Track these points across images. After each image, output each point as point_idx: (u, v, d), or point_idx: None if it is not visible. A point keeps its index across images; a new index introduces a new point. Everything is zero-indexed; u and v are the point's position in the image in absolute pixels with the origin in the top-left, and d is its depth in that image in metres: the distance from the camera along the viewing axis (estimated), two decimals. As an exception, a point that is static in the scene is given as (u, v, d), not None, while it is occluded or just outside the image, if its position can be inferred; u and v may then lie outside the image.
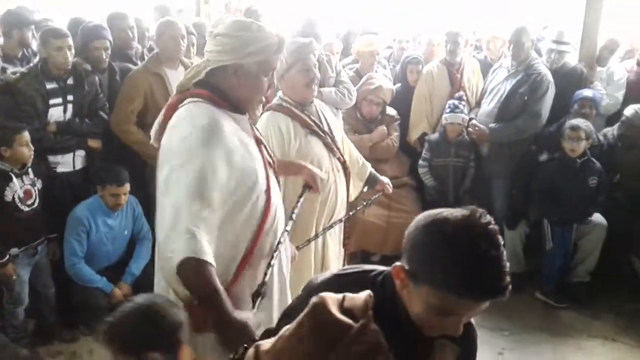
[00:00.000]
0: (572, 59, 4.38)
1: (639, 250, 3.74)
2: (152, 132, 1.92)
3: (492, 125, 4.13)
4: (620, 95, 4.36)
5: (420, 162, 4.25)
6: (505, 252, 1.12)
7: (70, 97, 3.37)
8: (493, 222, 1.14)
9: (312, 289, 1.34)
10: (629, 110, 3.88)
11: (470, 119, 4.24)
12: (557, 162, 3.87)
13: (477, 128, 4.15)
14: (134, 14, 4.17)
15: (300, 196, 2.30)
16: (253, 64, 1.79)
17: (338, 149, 2.67)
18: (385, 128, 4.26)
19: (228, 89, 1.82)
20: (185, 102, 1.80)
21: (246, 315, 1.54)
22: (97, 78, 3.52)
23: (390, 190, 2.96)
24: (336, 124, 2.83)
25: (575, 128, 3.73)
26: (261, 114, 2.64)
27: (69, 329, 3.32)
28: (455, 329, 1.17)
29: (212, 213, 1.64)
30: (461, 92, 4.23)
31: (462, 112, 4.09)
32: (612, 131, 4.04)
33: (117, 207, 3.31)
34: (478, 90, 4.45)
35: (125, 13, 3.97)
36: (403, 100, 4.45)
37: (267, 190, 1.87)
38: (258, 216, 1.84)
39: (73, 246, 3.20)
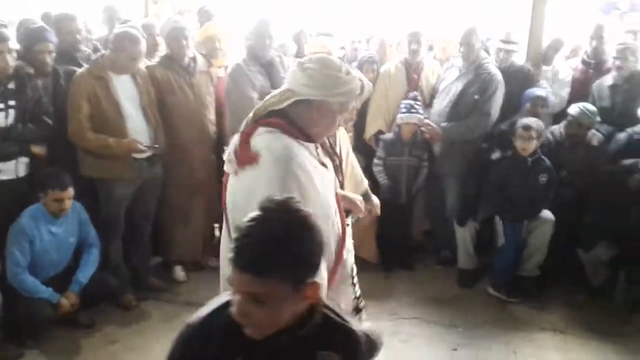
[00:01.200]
0: (519, 59, 4.48)
1: (585, 243, 3.85)
2: (227, 164, 1.92)
3: (443, 124, 4.18)
4: (565, 93, 4.48)
5: (375, 160, 4.28)
6: (282, 244, 1.13)
7: (11, 102, 3.24)
8: (296, 217, 1.17)
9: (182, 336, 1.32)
10: (574, 109, 3.98)
11: (424, 119, 4.29)
12: (509, 161, 3.95)
13: (430, 127, 4.20)
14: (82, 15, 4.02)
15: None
16: (336, 103, 1.85)
17: (342, 172, 2.67)
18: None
19: (304, 121, 1.86)
20: (260, 131, 1.84)
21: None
22: (40, 82, 3.40)
23: (378, 212, 2.91)
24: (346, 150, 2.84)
25: (527, 127, 3.80)
26: None
27: (14, 344, 3.16)
28: (235, 309, 1.17)
29: None
30: (416, 92, 4.25)
31: (417, 112, 4.13)
32: (559, 129, 4.15)
33: (61, 213, 3.21)
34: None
35: (74, 14, 3.84)
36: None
37: (340, 215, 1.98)
38: (337, 239, 1.94)
39: (15, 256, 3.08)
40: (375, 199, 2.95)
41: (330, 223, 1.90)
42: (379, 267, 4.31)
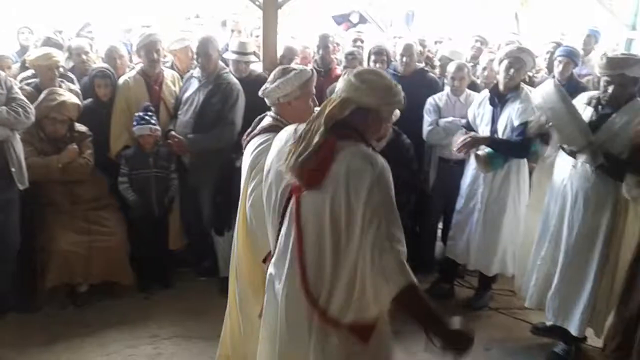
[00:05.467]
0: (259, 67, 4.67)
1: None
2: (294, 167, 1.87)
3: (190, 135, 4.15)
4: (302, 99, 4.77)
5: (120, 178, 4.07)
6: None
7: None
8: None
9: None
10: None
11: (169, 130, 4.21)
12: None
13: (176, 139, 4.14)
14: None
15: None
16: (386, 111, 1.97)
17: None
18: (76, 147, 3.94)
19: (365, 130, 1.92)
20: (343, 144, 1.85)
21: (456, 321, 1.76)
22: None
23: None
24: None
25: None
26: (256, 134, 2.64)
27: None
28: None
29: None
30: (147, 103, 4.12)
31: (148, 122, 4.01)
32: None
33: None
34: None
35: None
36: (96, 115, 4.19)
37: None
38: None
39: None
40: None
41: None
42: (136, 290, 4.10)
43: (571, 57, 4.57)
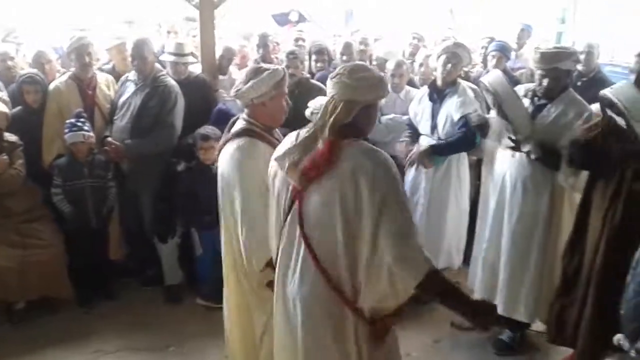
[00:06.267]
0: (197, 69, 4.56)
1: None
2: (293, 171, 1.92)
3: (127, 141, 4.02)
4: (241, 101, 4.71)
5: (53, 189, 3.89)
6: None
7: None
8: None
9: None
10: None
11: (106, 136, 4.06)
12: (195, 171, 3.97)
13: (113, 146, 3.99)
14: None
15: None
16: (381, 100, 2.09)
17: None
18: (6, 157, 3.75)
19: (365, 124, 2.00)
20: (347, 142, 1.91)
21: (477, 297, 1.94)
22: None
23: None
24: None
25: (206, 137, 3.87)
26: (229, 139, 2.53)
27: None
28: None
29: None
30: (79, 109, 3.95)
31: (81, 129, 3.85)
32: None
33: None
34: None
35: None
36: (26, 123, 3.99)
37: None
38: None
39: None
40: None
41: None
42: (76, 303, 3.93)
43: (503, 51, 4.70)
